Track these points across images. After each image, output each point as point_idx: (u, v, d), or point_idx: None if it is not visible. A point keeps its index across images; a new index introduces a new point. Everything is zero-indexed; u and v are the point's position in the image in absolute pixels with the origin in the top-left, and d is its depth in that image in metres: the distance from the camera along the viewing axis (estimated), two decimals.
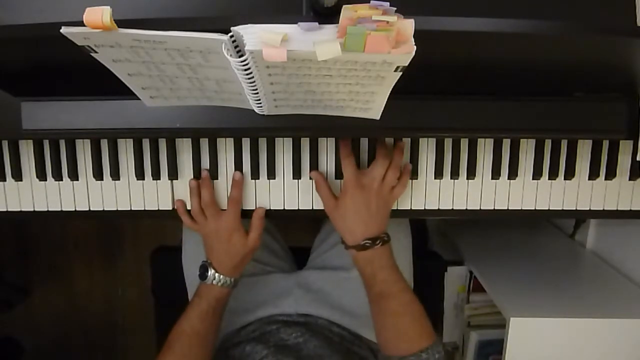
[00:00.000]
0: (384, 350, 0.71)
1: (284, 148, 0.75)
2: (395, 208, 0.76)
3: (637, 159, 0.71)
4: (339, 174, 0.74)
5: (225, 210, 0.74)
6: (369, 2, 0.43)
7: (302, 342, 0.76)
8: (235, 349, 0.78)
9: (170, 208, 0.76)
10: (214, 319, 0.73)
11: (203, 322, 0.72)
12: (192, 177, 0.75)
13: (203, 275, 0.73)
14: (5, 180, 0.76)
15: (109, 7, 0.43)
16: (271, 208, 0.76)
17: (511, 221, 1.28)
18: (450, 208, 0.76)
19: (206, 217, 0.74)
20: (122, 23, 0.44)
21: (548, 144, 0.74)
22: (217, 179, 0.75)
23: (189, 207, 0.75)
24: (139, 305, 1.74)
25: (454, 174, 0.75)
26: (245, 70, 0.48)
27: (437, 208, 0.76)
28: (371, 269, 0.70)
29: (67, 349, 1.82)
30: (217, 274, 0.73)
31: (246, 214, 0.75)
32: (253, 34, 0.44)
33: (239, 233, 0.73)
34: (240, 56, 0.47)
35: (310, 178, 0.75)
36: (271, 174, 0.75)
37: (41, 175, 0.75)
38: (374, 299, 0.71)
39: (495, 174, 0.75)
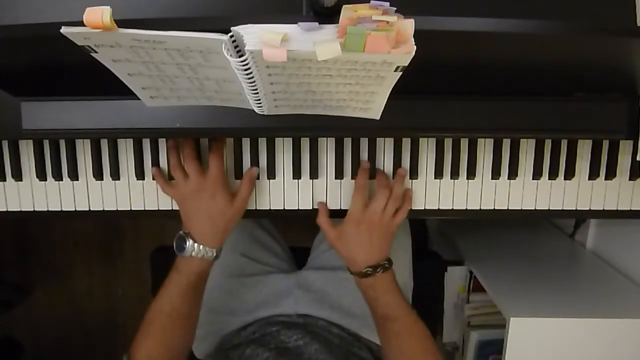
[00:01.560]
0: None
1: (284, 148, 0.75)
2: None
3: (637, 159, 0.71)
4: (338, 174, 0.75)
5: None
6: (369, 2, 0.43)
7: (302, 345, 0.76)
8: (234, 350, 0.77)
9: (170, 208, 0.76)
10: (195, 295, 0.70)
11: (184, 300, 0.68)
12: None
13: (180, 247, 0.68)
14: (5, 180, 0.76)
15: (109, 7, 0.43)
16: (271, 208, 0.76)
17: (511, 221, 1.28)
18: (450, 208, 0.76)
19: (186, 175, 0.68)
20: (122, 23, 0.44)
21: (548, 144, 0.74)
22: None
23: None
24: (139, 305, 1.74)
25: (454, 174, 0.75)
26: (245, 70, 0.48)
27: (437, 208, 0.76)
28: (373, 293, 0.71)
29: (67, 349, 1.82)
30: (196, 245, 0.67)
31: (245, 215, 0.75)
32: (253, 34, 0.44)
33: (224, 190, 0.68)
34: (240, 56, 0.47)
35: (310, 177, 0.75)
36: (271, 174, 0.75)
37: (41, 175, 0.75)
38: (378, 321, 0.72)
39: (495, 174, 0.75)
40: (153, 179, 0.75)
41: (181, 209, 0.71)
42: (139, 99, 0.60)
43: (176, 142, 0.71)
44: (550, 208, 0.76)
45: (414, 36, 0.44)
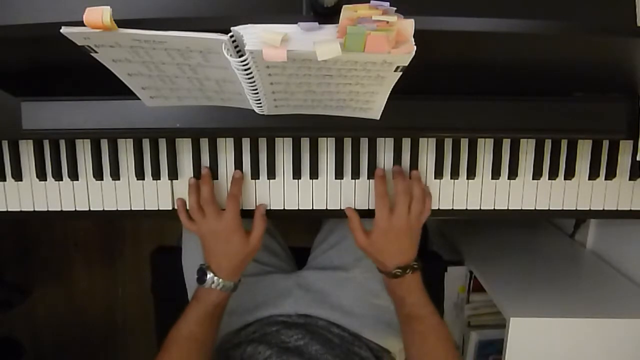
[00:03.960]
0: None
1: (284, 148, 0.75)
2: None
3: (637, 159, 0.71)
4: (338, 174, 0.75)
5: (224, 209, 0.73)
6: (369, 2, 0.43)
7: (302, 344, 0.76)
8: (235, 350, 0.78)
9: (170, 208, 0.76)
10: (212, 323, 0.73)
11: (201, 327, 0.71)
12: (193, 177, 0.74)
13: (201, 279, 0.72)
14: (5, 180, 0.76)
15: (109, 7, 0.43)
16: (271, 208, 0.76)
17: (511, 221, 1.28)
18: (450, 208, 0.76)
19: (204, 216, 0.72)
20: (122, 23, 0.44)
21: (548, 144, 0.74)
22: (217, 179, 0.75)
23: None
24: (139, 305, 1.74)
25: (454, 174, 0.75)
26: (245, 70, 0.48)
27: (437, 208, 0.76)
28: (400, 292, 0.72)
29: (67, 349, 1.82)
30: (216, 278, 0.71)
31: (246, 214, 0.75)
32: (253, 34, 0.44)
33: (239, 233, 0.72)
34: (240, 56, 0.47)
35: (310, 177, 0.75)
36: (271, 174, 0.75)
37: (41, 175, 0.75)
38: (403, 319, 0.73)
39: (495, 174, 0.75)
40: (153, 178, 0.75)
41: (202, 245, 0.74)
42: (139, 99, 0.60)
43: (197, 183, 0.73)
44: (550, 208, 0.76)
45: (414, 36, 0.44)
